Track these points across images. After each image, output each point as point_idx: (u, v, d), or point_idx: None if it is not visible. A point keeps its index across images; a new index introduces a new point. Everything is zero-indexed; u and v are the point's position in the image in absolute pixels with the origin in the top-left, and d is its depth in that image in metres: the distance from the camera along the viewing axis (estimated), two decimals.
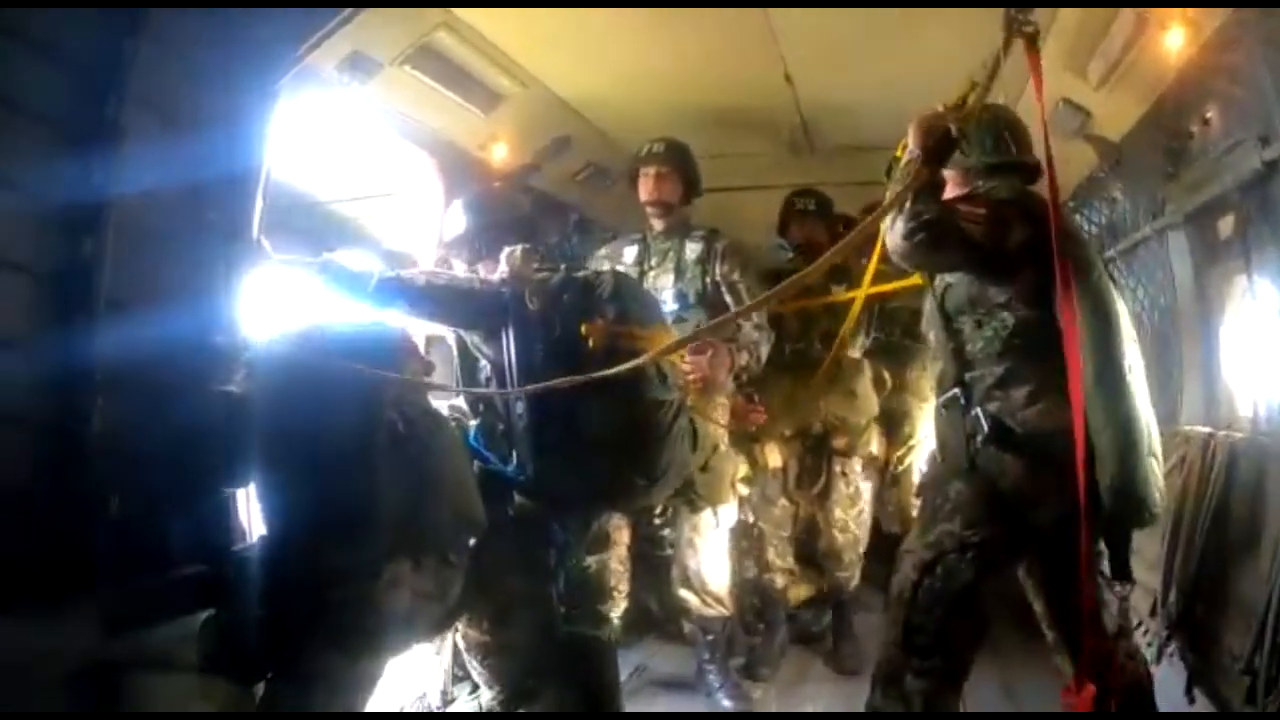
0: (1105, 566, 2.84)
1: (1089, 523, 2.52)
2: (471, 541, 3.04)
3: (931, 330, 3.12)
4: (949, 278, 3.00)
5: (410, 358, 3.05)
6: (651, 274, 4.53)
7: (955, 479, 2.92)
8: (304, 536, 2.63)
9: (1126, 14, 3.29)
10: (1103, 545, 2.78)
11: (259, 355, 2.75)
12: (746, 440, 4.84)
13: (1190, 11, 3.09)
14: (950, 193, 2.99)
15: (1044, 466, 2.73)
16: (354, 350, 2.79)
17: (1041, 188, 2.82)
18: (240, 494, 2.73)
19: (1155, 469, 2.75)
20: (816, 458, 5.04)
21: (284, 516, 2.66)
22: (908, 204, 2.72)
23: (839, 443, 5.01)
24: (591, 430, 3.10)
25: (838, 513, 5.04)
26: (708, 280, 4.46)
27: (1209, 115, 3.34)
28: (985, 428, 2.83)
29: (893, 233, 2.78)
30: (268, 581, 2.60)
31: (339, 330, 2.99)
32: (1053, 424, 2.72)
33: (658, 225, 4.57)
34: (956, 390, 2.96)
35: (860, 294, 4.27)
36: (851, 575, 5.11)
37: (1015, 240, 2.78)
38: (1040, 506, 2.75)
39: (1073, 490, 2.53)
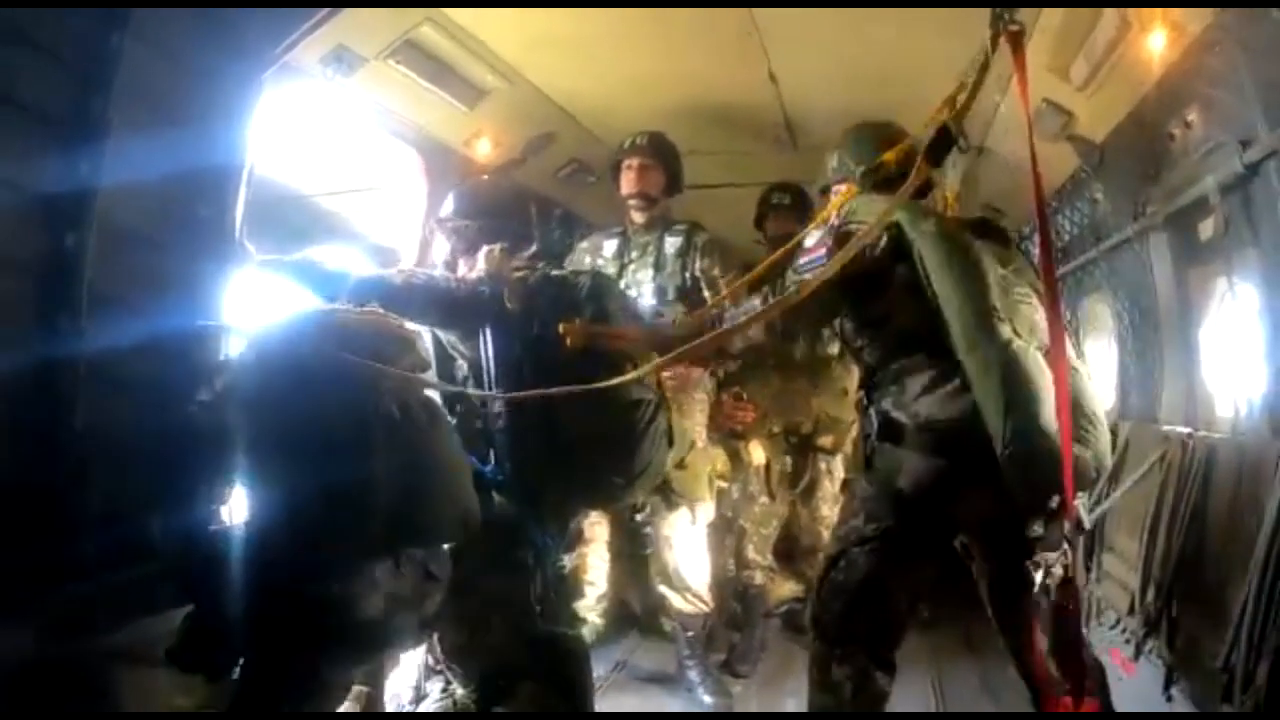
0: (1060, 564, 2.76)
1: (1070, 535, 2.52)
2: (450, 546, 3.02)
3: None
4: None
5: (407, 350, 3.02)
6: (631, 268, 4.54)
7: (860, 477, 3.03)
8: (289, 524, 2.59)
9: (1110, 16, 3.30)
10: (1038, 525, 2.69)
11: (253, 341, 2.73)
12: (732, 437, 4.85)
13: (1173, 14, 3.11)
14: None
15: (937, 456, 2.77)
16: (352, 338, 2.76)
17: (1015, 190, 2.83)
18: (224, 489, 2.71)
19: (1089, 429, 2.71)
20: (801, 455, 5.05)
21: (270, 504, 2.63)
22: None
23: (825, 440, 5.03)
24: (569, 430, 3.10)
25: (825, 510, 5.06)
26: (687, 275, 4.47)
27: (1190, 118, 3.36)
28: (875, 426, 2.90)
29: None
30: (244, 572, 2.56)
31: (338, 317, 2.96)
32: (946, 413, 2.76)
33: (638, 218, 4.56)
34: (861, 393, 3.06)
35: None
36: None
37: (862, 274, 2.85)
38: (946, 499, 2.77)
39: (975, 480, 2.57)
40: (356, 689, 3.24)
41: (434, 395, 3.10)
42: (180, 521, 2.57)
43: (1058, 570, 2.73)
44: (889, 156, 3.00)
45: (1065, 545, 2.70)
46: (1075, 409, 2.69)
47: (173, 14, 2.41)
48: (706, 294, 4.42)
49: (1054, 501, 2.63)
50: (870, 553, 2.84)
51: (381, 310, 3.11)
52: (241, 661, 2.56)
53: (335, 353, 2.66)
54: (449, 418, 3.34)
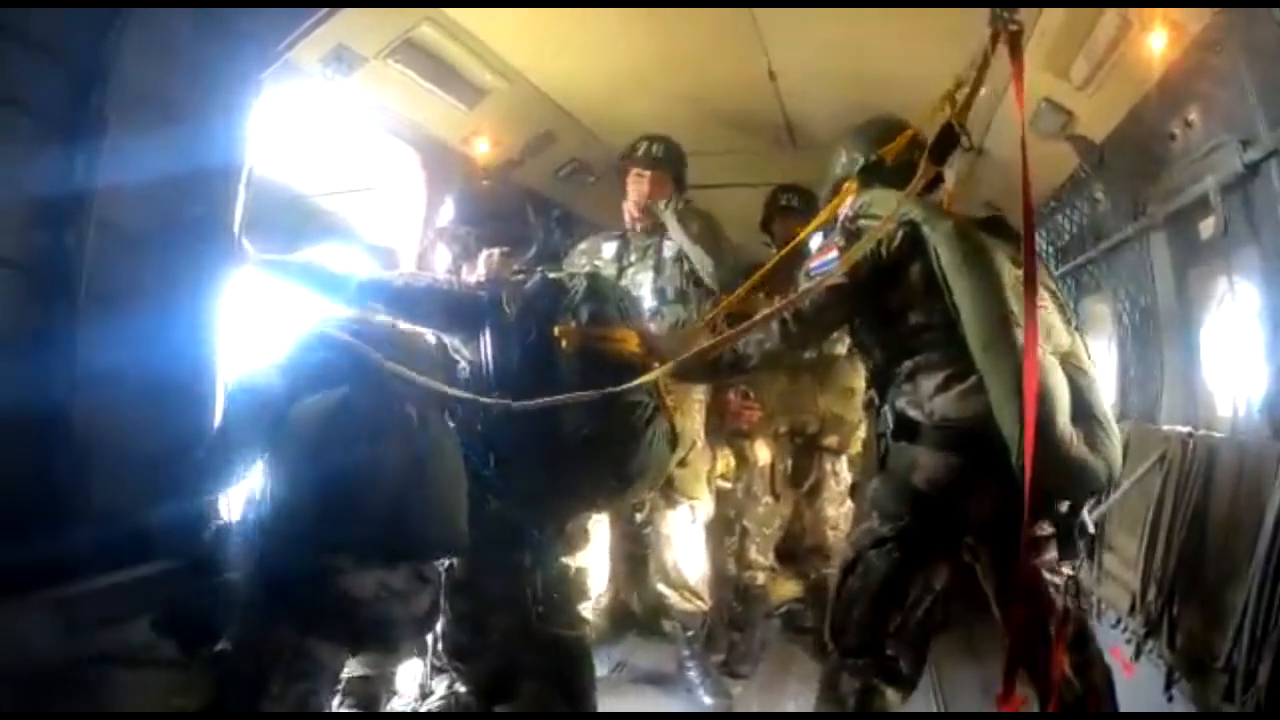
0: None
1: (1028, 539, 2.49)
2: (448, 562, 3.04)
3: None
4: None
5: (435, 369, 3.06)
6: (631, 270, 4.52)
7: (872, 478, 2.95)
8: (299, 509, 2.63)
9: (1110, 16, 3.30)
10: (1049, 527, 2.70)
11: (294, 340, 2.82)
12: (737, 436, 4.84)
13: (1174, 14, 3.11)
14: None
15: (955, 455, 2.72)
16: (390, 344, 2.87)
17: (1015, 189, 2.81)
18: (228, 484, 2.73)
19: (1102, 437, 2.68)
20: (807, 455, 5.05)
21: (287, 490, 2.67)
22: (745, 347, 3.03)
23: (830, 440, 5.01)
24: (567, 432, 3.07)
25: (829, 510, 5.05)
26: (685, 277, 4.46)
27: (1191, 117, 3.36)
28: (890, 424, 2.85)
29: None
30: (246, 550, 2.63)
31: (378, 324, 3.05)
32: (961, 411, 2.70)
33: (640, 223, 4.56)
34: (872, 391, 3.01)
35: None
36: None
37: (876, 271, 2.85)
38: (961, 496, 2.72)
39: (993, 478, 2.54)
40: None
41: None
42: (178, 518, 2.57)
43: (1065, 570, 2.74)
44: (887, 150, 2.99)
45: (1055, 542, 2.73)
46: (1087, 414, 2.67)
47: (172, 13, 2.42)
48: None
49: (1064, 507, 2.66)
50: (887, 554, 2.77)
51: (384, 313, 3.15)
52: (230, 641, 2.62)
53: (369, 351, 2.76)
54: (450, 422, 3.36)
